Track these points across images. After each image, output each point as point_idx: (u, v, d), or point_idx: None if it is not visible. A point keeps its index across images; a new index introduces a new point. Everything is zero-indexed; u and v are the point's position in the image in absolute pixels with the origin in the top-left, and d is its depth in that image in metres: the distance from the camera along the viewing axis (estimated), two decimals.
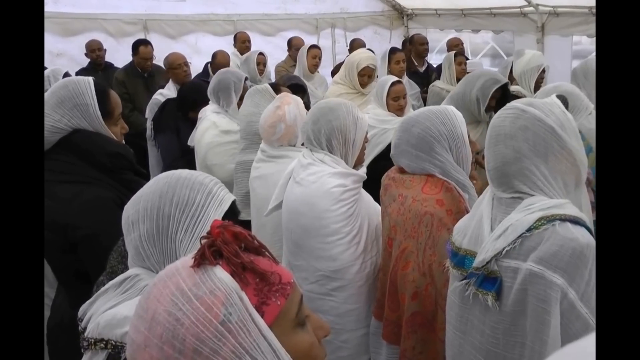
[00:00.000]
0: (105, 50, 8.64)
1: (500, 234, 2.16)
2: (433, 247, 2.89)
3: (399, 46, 10.05)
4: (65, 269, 2.89)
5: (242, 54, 8.69)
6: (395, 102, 5.33)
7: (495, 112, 5.05)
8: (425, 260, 2.92)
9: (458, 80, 7.00)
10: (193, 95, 5.93)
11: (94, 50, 8.50)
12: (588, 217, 4.04)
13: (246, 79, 5.47)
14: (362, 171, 3.43)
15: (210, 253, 1.26)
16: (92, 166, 2.84)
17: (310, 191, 3.27)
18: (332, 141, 3.35)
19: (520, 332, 2.13)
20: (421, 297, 2.94)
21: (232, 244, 1.28)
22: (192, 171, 2.04)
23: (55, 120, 2.83)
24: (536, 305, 2.05)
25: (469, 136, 3.13)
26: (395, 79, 5.45)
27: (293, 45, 9.13)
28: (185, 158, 5.45)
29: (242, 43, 9.28)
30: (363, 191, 3.45)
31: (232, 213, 2.01)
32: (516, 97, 4.98)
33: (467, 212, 2.82)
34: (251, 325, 1.22)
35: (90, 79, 2.99)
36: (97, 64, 8.51)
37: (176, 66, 6.94)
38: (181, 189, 1.92)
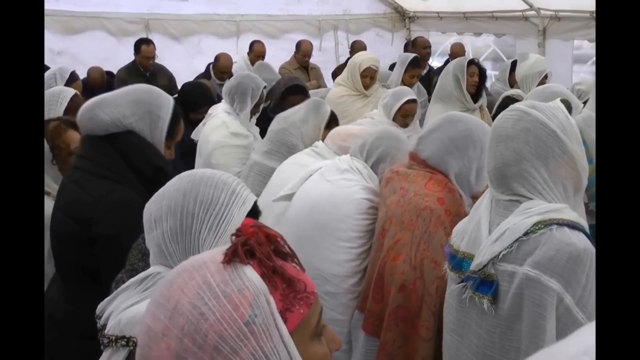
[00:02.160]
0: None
1: (497, 237, 2.16)
2: (428, 242, 2.90)
3: (402, 49, 10.07)
4: (75, 263, 2.87)
5: (252, 63, 8.51)
6: (403, 119, 5.31)
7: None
8: (418, 254, 2.92)
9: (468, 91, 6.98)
10: (194, 97, 5.92)
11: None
12: (582, 220, 4.07)
13: (265, 87, 5.43)
14: None
15: (243, 251, 1.25)
16: (132, 170, 2.84)
17: (341, 193, 3.33)
18: (380, 163, 3.45)
19: (516, 337, 2.12)
20: (408, 290, 2.93)
21: (265, 245, 1.27)
22: (215, 170, 2.05)
23: (124, 115, 2.82)
24: (532, 309, 2.04)
25: None
26: (412, 96, 5.40)
27: (301, 50, 9.08)
28: (184, 159, 5.41)
29: (256, 56, 8.97)
30: None
31: (254, 213, 2.02)
32: (516, 100, 5.01)
33: (466, 215, 2.82)
34: (274, 330, 1.20)
35: (171, 98, 3.05)
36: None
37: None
38: (205, 188, 1.93)
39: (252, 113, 5.28)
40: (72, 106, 4.16)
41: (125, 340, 1.78)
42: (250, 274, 1.23)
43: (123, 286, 1.94)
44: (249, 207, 1.99)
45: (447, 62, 8.98)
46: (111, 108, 2.83)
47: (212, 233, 1.90)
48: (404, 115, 5.28)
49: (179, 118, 3.04)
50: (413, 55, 6.85)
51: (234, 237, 1.28)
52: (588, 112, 4.71)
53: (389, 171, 3.32)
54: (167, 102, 2.98)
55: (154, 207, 1.95)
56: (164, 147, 2.98)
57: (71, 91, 4.51)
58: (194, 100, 5.81)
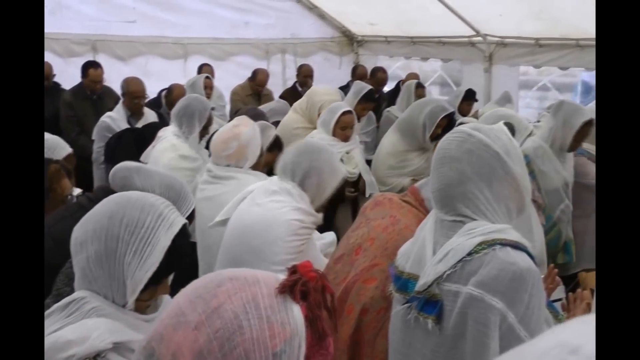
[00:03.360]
0: (55, 74, 8.27)
1: (441, 258, 2.17)
2: None
3: (350, 73, 10.16)
4: None
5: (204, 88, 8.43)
6: (342, 132, 5.34)
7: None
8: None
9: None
10: (155, 136, 5.86)
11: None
12: (539, 240, 4.12)
13: (213, 108, 5.42)
14: (320, 217, 3.47)
15: (299, 290, 1.27)
16: None
17: (270, 216, 3.29)
18: (306, 180, 3.40)
19: (459, 356, 2.13)
20: (370, 316, 2.91)
21: (319, 293, 1.30)
22: (144, 193, 2.04)
23: (153, 190, 2.93)
24: (476, 328, 2.06)
25: None
26: (347, 108, 5.44)
27: (257, 80, 9.05)
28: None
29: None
30: (313, 235, 3.50)
31: (183, 236, 2.01)
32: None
33: None
34: None
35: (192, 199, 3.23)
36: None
37: (137, 97, 6.82)
38: (131, 210, 1.91)
39: (202, 135, 5.28)
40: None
41: None
42: (296, 313, 1.26)
43: (47, 311, 1.90)
44: (175, 230, 1.97)
45: (397, 85, 9.11)
46: (147, 179, 3.01)
47: (137, 257, 1.88)
48: (342, 128, 5.32)
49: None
50: (369, 87, 6.77)
51: (291, 273, 1.31)
52: (539, 143, 4.79)
53: (380, 195, 3.30)
54: (190, 204, 3.10)
55: (80, 231, 1.93)
56: None
57: (68, 149, 4.61)
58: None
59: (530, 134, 4.10)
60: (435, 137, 5.56)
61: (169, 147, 5.13)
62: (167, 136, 5.24)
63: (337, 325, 2.93)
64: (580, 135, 4.86)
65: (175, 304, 1.26)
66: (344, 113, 5.33)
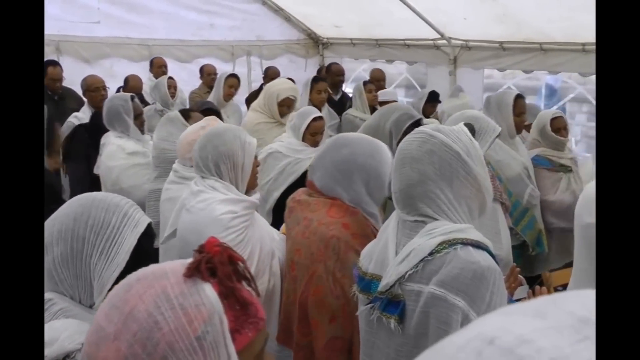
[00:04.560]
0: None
1: (403, 258, 2.18)
2: (342, 269, 2.89)
3: (315, 74, 10.16)
4: None
5: (157, 78, 8.55)
6: (312, 137, 5.33)
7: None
8: (337, 283, 2.92)
9: (371, 107, 7.19)
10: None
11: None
12: (506, 242, 4.15)
13: (132, 97, 5.43)
14: (255, 197, 3.42)
15: (205, 268, 1.27)
16: None
17: (199, 219, 3.24)
18: (220, 166, 3.33)
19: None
20: (340, 319, 2.92)
21: (227, 265, 1.30)
22: (108, 193, 2.03)
23: None
24: (438, 327, 2.07)
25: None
26: (318, 114, 5.43)
27: (205, 72, 9.10)
28: (95, 187, 5.32)
29: (158, 68, 9.22)
30: (257, 215, 3.46)
31: (148, 236, 2.01)
32: None
33: (374, 235, 2.84)
34: (222, 349, 1.23)
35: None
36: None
37: (94, 89, 6.79)
38: (96, 211, 1.91)
39: (140, 126, 5.40)
40: None
41: None
42: (208, 292, 1.25)
43: None
44: (141, 229, 1.98)
45: None
46: None
47: (104, 257, 1.88)
48: (312, 134, 5.29)
49: None
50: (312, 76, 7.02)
51: (196, 253, 1.30)
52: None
53: (290, 200, 3.30)
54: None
55: (45, 232, 1.92)
56: None
57: None
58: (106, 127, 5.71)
59: (498, 135, 4.12)
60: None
61: (116, 149, 5.20)
62: (111, 140, 5.31)
63: (312, 340, 2.93)
64: (517, 110, 4.98)
65: (94, 321, 1.26)
66: (315, 119, 5.31)
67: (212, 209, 3.22)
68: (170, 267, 1.30)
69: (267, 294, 3.34)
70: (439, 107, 7.52)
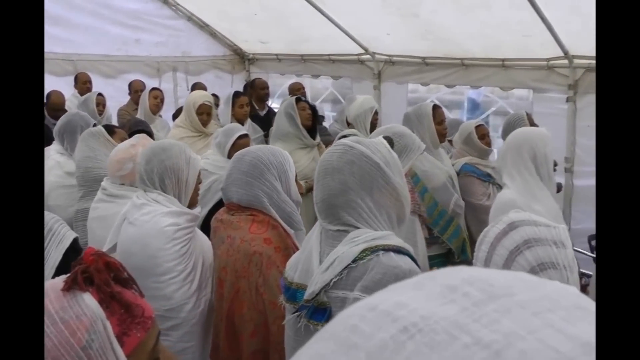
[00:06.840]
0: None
1: (327, 266, 2.24)
2: (264, 285, 2.96)
3: (241, 90, 10.17)
4: None
5: (82, 95, 8.39)
6: None
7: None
8: (259, 299, 2.98)
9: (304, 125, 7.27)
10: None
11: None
12: (422, 253, 4.22)
13: (95, 125, 5.32)
14: (197, 210, 3.44)
15: (82, 279, 1.27)
16: None
17: (144, 231, 3.22)
18: (165, 180, 3.34)
19: None
20: (260, 334, 2.99)
21: (104, 272, 1.30)
22: None
23: None
24: None
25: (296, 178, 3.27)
26: (243, 131, 5.43)
27: (133, 88, 9.00)
28: None
29: (83, 84, 9.07)
30: (198, 230, 3.46)
31: (74, 251, 2.00)
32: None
33: (296, 247, 2.90)
34: (110, 354, 1.24)
35: None
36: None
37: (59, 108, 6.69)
38: None
39: None
40: None
41: None
42: (88, 300, 1.26)
43: None
44: (66, 244, 1.96)
45: None
46: None
47: None
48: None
49: None
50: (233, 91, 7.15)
51: (73, 267, 1.31)
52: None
53: (214, 220, 3.34)
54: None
55: None
56: None
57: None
58: None
59: (422, 153, 4.20)
60: (313, 130, 5.96)
61: (54, 164, 5.05)
62: (51, 155, 5.15)
63: (240, 356, 2.95)
64: (438, 119, 5.08)
65: None
66: (240, 137, 5.32)
67: (156, 220, 3.21)
68: (50, 284, 1.31)
69: (210, 306, 3.36)
70: (349, 117, 7.42)
